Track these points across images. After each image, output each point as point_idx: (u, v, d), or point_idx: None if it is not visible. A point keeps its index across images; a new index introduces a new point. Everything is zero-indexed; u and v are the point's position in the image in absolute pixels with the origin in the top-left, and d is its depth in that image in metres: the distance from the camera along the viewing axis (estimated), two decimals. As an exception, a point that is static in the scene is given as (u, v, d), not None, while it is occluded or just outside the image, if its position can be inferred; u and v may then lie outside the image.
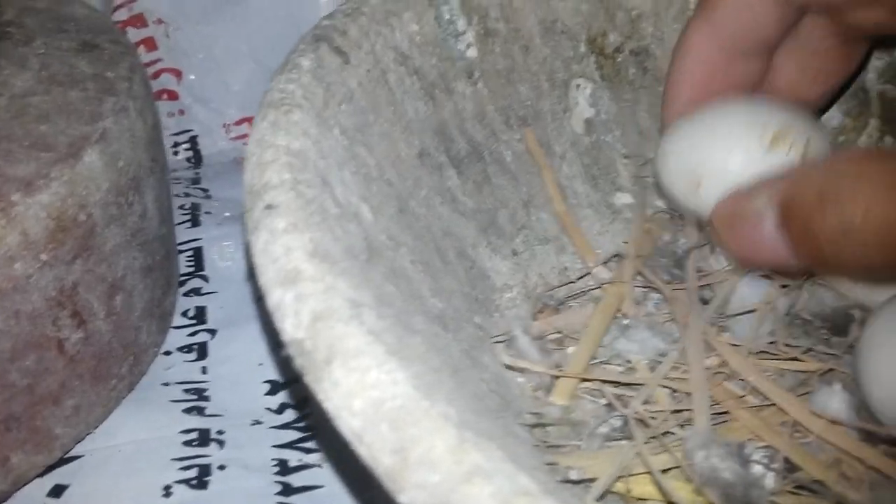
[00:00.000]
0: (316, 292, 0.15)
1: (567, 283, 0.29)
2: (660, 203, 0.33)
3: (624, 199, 0.33)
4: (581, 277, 0.29)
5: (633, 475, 0.21)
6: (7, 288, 0.20)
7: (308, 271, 0.16)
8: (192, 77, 0.38)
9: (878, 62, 0.34)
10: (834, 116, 0.34)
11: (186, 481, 0.23)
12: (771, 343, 0.26)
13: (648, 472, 0.21)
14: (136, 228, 0.24)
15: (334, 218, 0.19)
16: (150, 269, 0.26)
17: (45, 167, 0.21)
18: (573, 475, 0.20)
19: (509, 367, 0.24)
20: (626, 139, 0.33)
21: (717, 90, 0.27)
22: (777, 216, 0.23)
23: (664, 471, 0.21)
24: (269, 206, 0.17)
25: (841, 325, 0.27)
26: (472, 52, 0.30)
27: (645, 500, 0.21)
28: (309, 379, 0.15)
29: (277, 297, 0.16)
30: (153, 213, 0.25)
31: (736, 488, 0.20)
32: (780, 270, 0.25)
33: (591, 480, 0.20)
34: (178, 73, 0.38)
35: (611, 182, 0.33)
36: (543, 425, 0.22)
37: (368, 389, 0.14)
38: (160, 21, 0.38)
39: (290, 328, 0.15)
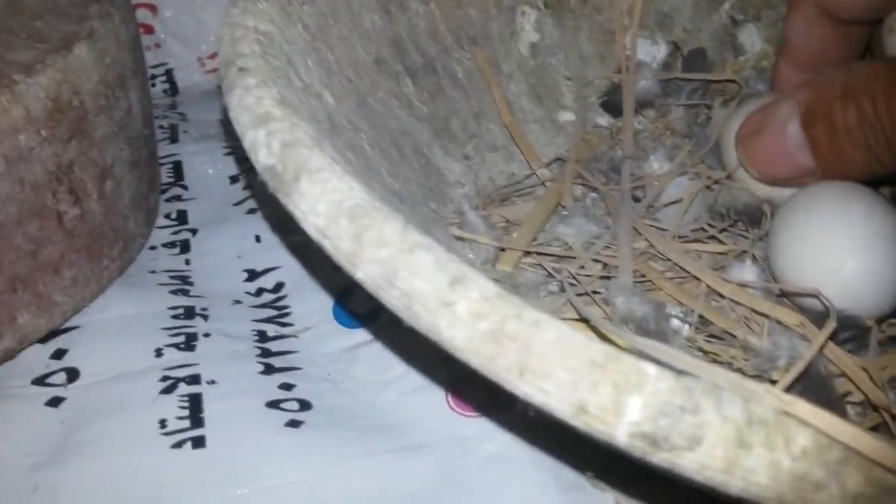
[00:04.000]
0: (284, 128, 0.18)
1: (516, 185, 0.32)
2: (600, 120, 0.36)
3: (567, 116, 0.36)
4: (527, 177, 0.32)
5: (563, 319, 0.24)
6: (13, 157, 0.22)
7: (276, 113, 0.19)
8: (168, 13, 0.40)
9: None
10: (755, 43, 0.38)
11: (175, 345, 0.26)
12: (694, 230, 0.29)
13: (579, 320, 0.24)
14: (122, 122, 0.27)
15: (299, 89, 0.22)
16: (136, 163, 0.28)
17: (42, 55, 0.23)
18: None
19: (459, 239, 0.27)
20: (569, 63, 0.37)
21: (824, 54, 0.30)
22: (801, 118, 0.25)
23: (587, 321, 0.25)
24: (241, 69, 0.20)
25: (754, 218, 0.30)
26: (425, -25, 0.32)
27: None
28: (281, 196, 0.18)
29: (252, 136, 0.19)
30: (137, 111, 0.28)
31: (649, 322, 0.23)
32: (799, 184, 0.27)
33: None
34: (153, 9, 0.41)
35: (555, 101, 0.36)
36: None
37: (329, 194, 0.17)
38: (135, -41, 0.40)
39: (263, 157, 0.18)
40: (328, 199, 0.17)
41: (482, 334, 0.15)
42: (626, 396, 0.14)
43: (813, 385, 0.22)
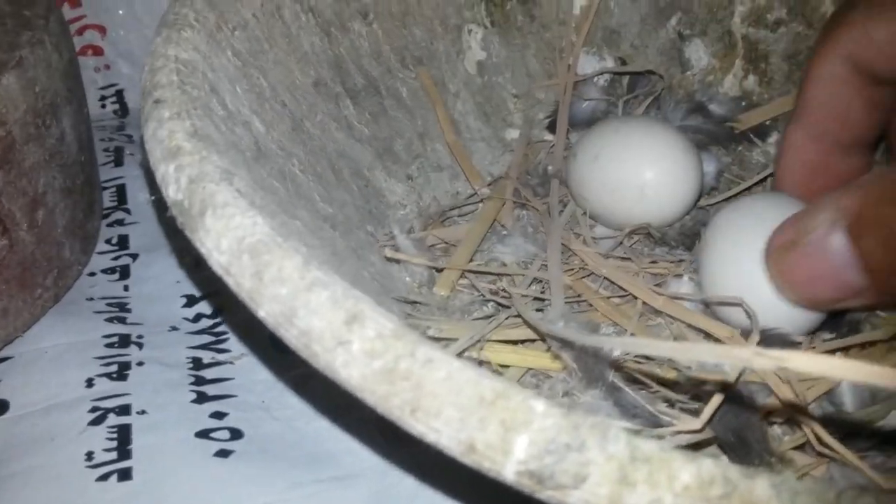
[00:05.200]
0: (192, 162, 0.18)
1: (458, 206, 0.32)
2: (549, 137, 0.36)
3: (514, 134, 0.36)
4: (469, 197, 0.32)
5: (492, 341, 0.24)
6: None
7: (187, 147, 0.19)
8: (117, 34, 0.40)
9: (742, 7, 0.37)
10: (702, 58, 0.38)
11: (107, 375, 0.26)
12: (630, 249, 0.30)
13: (509, 342, 0.25)
14: (54, 150, 0.27)
15: (220, 118, 0.22)
16: (71, 190, 0.28)
17: (-34, 86, 0.23)
18: (431, 333, 0.23)
19: (391, 260, 0.27)
20: (516, 80, 0.37)
21: (820, 187, 0.26)
22: (848, 227, 0.20)
23: (522, 341, 0.25)
24: (157, 101, 0.20)
25: (690, 241, 0.30)
26: (367, -4, 0.32)
27: (507, 366, 0.24)
28: (188, 232, 0.18)
29: (162, 171, 0.19)
30: (71, 138, 0.28)
31: (587, 350, 0.23)
32: (846, 307, 0.23)
33: (451, 340, 0.23)
34: (102, 30, 0.40)
35: (502, 119, 0.36)
36: (415, 303, 0.25)
37: (233, 230, 0.17)
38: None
39: (171, 193, 0.18)
40: (231, 236, 0.17)
41: (376, 373, 0.15)
42: (512, 434, 0.14)
43: (735, 402, 0.22)
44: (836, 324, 0.26)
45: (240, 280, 0.16)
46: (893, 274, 0.20)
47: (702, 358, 0.15)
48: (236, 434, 0.24)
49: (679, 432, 0.20)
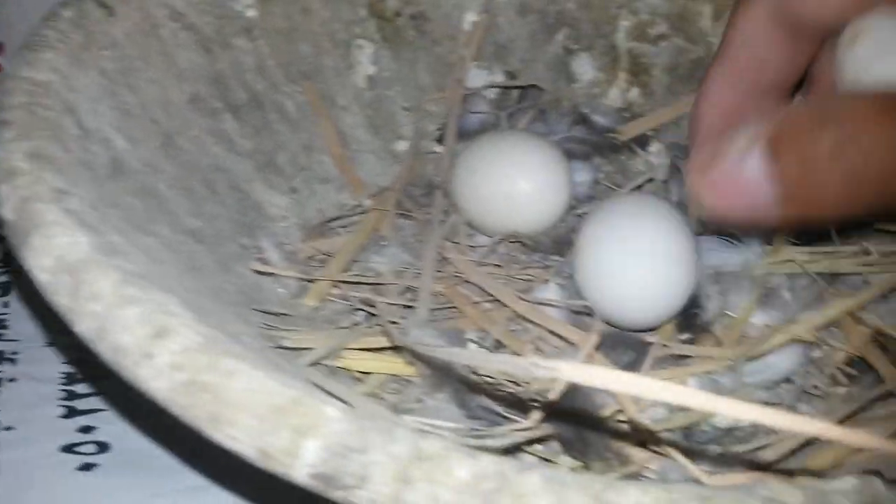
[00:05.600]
0: (27, 183, 0.19)
1: (342, 217, 0.33)
2: (438, 149, 0.37)
3: (404, 146, 0.37)
4: (353, 208, 0.33)
5: (353, 349, 0.25)
6: None
7: (23, 168, 0.19)
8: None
9: (626, 23, 0.39)
10: (588, 72, 0.39)
11: (-24, 391, 0.26)
12: (503, 256, 0.31)
13: (371, 349, 0.25)
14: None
15: (73, 137, 0.22)
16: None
17: None
18: (287, 343, 0.24)
19: (259, 273, 0.27)
20: (407, 93, 0.38)
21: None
22: (764, 148, 0.21)
23: (385, 349, 0.26)
24: (2, 122, 0.21)
25: (563, 247, 0.31)
26: (251, 13, 0.33)
27: (368, 373, 0.25)
28: (18, 252, 0.18)
29: (2, 192, 0.19)
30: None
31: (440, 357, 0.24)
32: (755, 224, 0.23)
33: (308, 350, 0.24)
34: (1, 47, 0.40)
35: (392, 131, 0.37)
36: (280, 314, 0.26)
37: (55, 250, 0.17)
38: (-19, -5, 0.39)
39: (5, 213, 0.19)
40: (53, 254, 0.17)
41: (179, 386, 0.15)
42: (302, 439, 0.15)
43: (577, 401, 0.23)
44: (689, 323, 0.28)
45: (58, 298, 0.17)
46: (806, 194, 0.21)
47: (496, 367, 0.16)
48: (103, 447, 0.25)
49: (514, 430, 0.21)
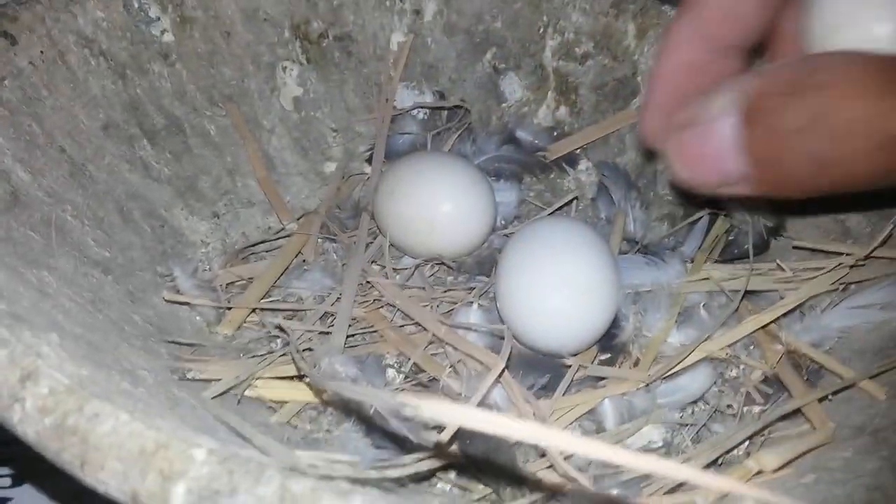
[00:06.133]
0: None
1: (266, 241, 0.33)
2: (366, 169, 0.37)
3: (333, 167, 0.37)
4: (278, 232, 0.33)
5: (268, 378, 0.25)
6: None
7: None
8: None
9: (552, 42, 0.39)
10: (516, 91, 0.40)
11: None
12: (421, 289, 0.31)
13: (283, 377, 0.25)
14: None
15: (-35, 171, 0.22)
16: None
17: None
18: (191, 375, 0.23)
19: (171, 302, 0.27)
20: (335, 115, 0.38)
21: (694, 91, 0.25)
22: (739, 114, 0.20)
23: (300, 377, 0.25)
24: None
25: (487, 268, 0.32)
26: (168, 37, 0.33)
27: (284, 401, 0.25)
28: None
29: None
30: None
31: (359, 379, 0.24)
32: (724, 192, 0.22)
33: (215, 381, 0.24)
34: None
35: (321, 153, 0.37)
36: (186, 344, 0.26)
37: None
38: None
39: None
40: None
41: (47, 429, 0.15)
42: (170, 484, 0.14)
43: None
44: (608, 343, 0.28)
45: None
46: (774, 166, 0.20)
47: (373, 402, 0.15)
48: (18, 481, 0.24)
49: (419, 460, 0.21)
